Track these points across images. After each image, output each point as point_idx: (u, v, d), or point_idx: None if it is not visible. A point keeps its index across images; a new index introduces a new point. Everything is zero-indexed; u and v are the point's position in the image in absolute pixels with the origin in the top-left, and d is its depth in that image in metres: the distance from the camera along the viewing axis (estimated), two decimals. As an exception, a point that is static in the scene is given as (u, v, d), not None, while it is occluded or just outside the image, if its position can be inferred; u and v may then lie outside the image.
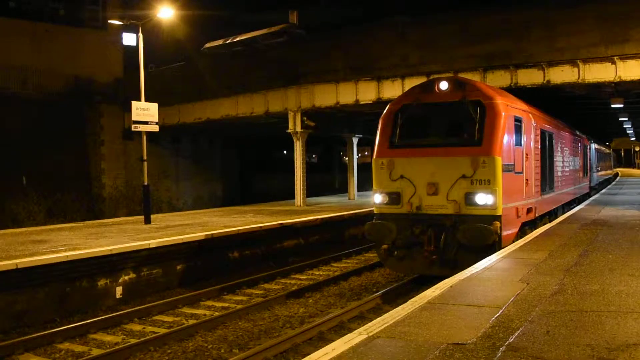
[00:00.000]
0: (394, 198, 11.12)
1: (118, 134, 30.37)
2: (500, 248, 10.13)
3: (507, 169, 10.65)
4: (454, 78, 12.29)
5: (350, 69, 21.68)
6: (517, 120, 11.44)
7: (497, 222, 10.20)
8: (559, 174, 16.55)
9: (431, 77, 15.81)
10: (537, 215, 13.17)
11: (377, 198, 11.38)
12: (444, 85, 11.14)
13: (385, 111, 11.88)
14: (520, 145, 11.59)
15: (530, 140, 12.49)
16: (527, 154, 12.04)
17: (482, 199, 10.33)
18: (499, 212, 10.31)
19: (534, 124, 12.91)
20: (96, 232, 15.20)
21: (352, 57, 21.77)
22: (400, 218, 10.98)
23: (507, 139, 10.73)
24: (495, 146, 10.37)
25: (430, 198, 10.73)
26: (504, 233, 10.51)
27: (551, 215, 15.45)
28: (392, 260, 11.36)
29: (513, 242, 10.85)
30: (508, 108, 11.09)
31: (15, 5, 29.53)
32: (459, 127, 11.18)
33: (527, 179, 12.05)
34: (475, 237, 10.10)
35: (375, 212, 11.50)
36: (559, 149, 16.58)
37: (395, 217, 11.04)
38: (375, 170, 11.42)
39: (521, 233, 11.88)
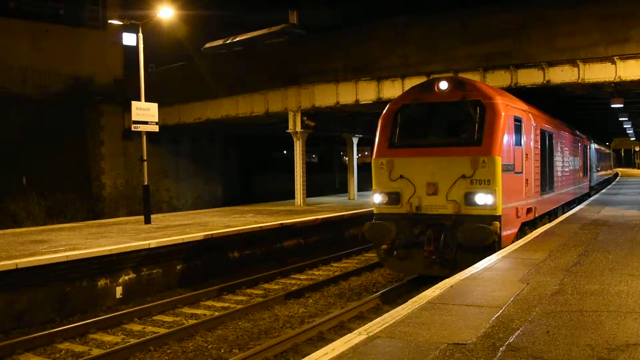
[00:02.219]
0: (394, 198, 11.08)
1: (118, 134, 30.35)
2: (499, 248, 10.11)
3: (506, 169, 10.63)
4: (454, 78, 12.23)
5: (350, 69, 21.68)
6: (517, 120, 11.43)
7: (497, 222, 10.17)
8: (559, 174, 16.54)
9: (431, 77, 15.81)
10: (537, 215, 13.15)
11: (377, 198, 11.35)
12: (443, 85, 11.10)
13: (384, 111, 11.85)
14: (520, 145, 11.57)
15: (530, 140, 12.47)
16: (527, 154, 12.03)
17: (482, 199, 10.30)
18: (499, 212, 10.28)
19: (534, 124, 12.90)
20: (96, 232, 15.20)
21: (352, 57, 21.76)
22: (400, 218, 10.95)
23: (507, 138, 10.71)
24: (495, 146, 10.34)
25: (430, 198, 10.70)
26: (504, 233, 10.49)
27: (551, 215, 15.44)
28: (391, 261, 11.34)
29: (513, 242, 10.83)
30: (508, 108, 11.07)
31: (15, 5, 29.50)
32: (459, 127, 11.16)
33: (527, 179, 12.04)
34: (474, 237, 10.07)
35: (374, 212, 11.48)
36: (559, 149, 16.58)
37: (394, 217, 11.01)
38: (374, 170, 11.39)
39: (521, 233, 11.86)
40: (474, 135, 10.64)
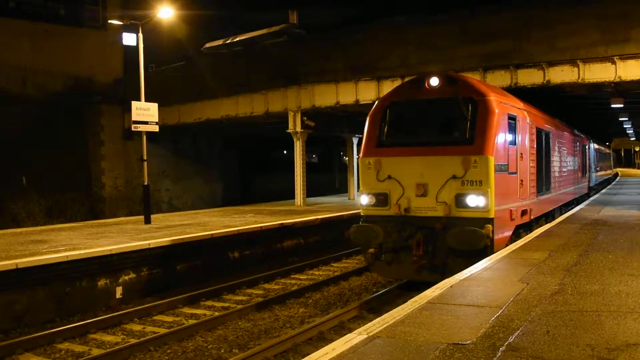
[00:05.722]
0: (381, 199, 10.59)
1: (118, 134, 30.36)
2: (492, 252, 9.70)
3: (500, 169, 10.21)
4: (446, 74, 11.47)
5: (350, 69, 21.69)
6: (512, 118, 11.02)
7: (489, 225, 9.74)
8: (557, 174, 16.27)
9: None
10: (532, 217, 12.75)
11: (364, 199, 10.85)
12: (434, 81, 10.60)
13: (373, 108, 11.39)
14: (515, 144, 11.16)
15: (526, 139, 12.06)
16: (521, 154, 11.62)
17: (474, 200, 9.87)
18: (491, 215, 9.85)
19: (530, 123, 12.50)
20: (96, 232, 15.20)
21: (352, 57, 21.77)
22: (388, 220, 10.47)
23: (500, 137, 10.28)
24: (488, 145, 9.91)
25: (419, 199, 10.24)
26: (497, 237, 10.05)
27: (548, 217, 15.08)
28: (379, 265, 10.80)
29: (506, 245, 10.46)
30: (502, 105, 10.65)
31: (15, 5, 29.53)
32: (450, 125, 10.69)
33: (521, 180, 11.62)
34: (465, 240, 9.64)
35: (361, 214, 10.98)
36: (556, 148, 16.28)
37: (382, 219, 10.53)
38: (361, 170, 10.95)
39: (515, 236, 11.47)
40: (465, 134, 10.19)
